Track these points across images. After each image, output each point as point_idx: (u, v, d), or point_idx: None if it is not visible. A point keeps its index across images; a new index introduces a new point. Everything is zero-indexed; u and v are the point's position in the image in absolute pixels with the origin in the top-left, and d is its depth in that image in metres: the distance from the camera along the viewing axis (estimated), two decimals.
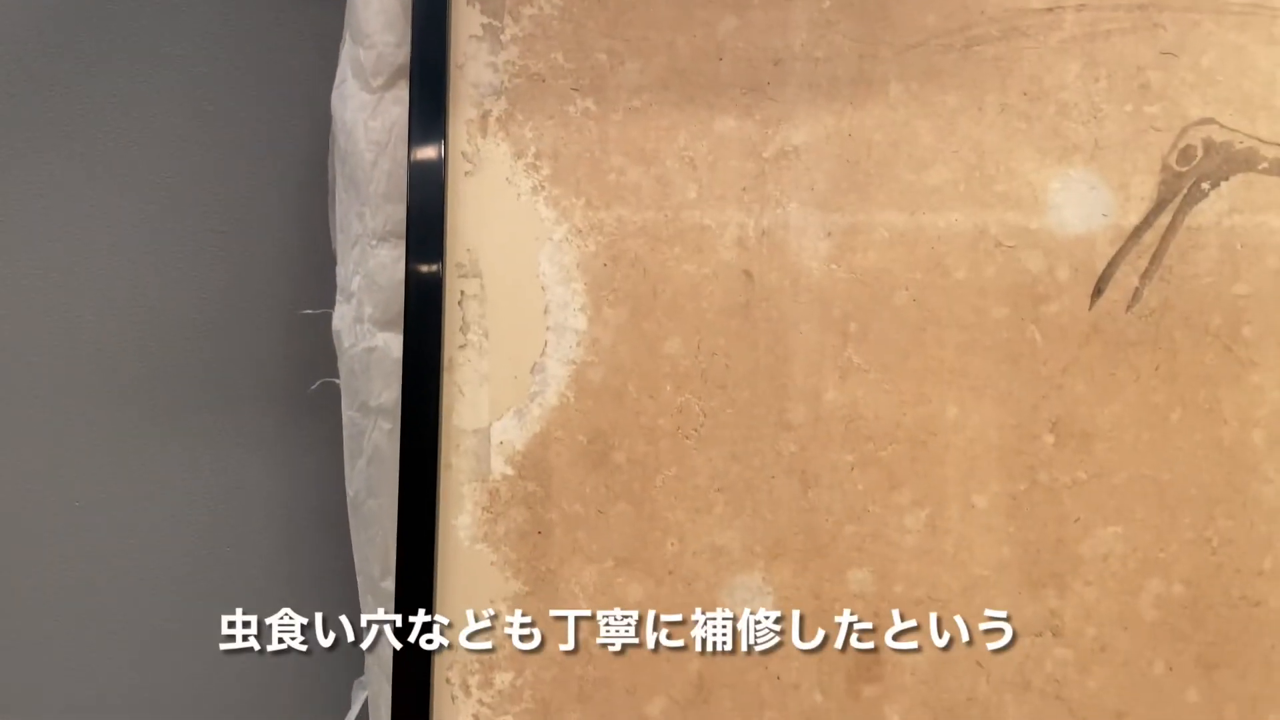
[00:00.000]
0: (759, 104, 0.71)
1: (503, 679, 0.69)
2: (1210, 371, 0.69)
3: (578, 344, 0.70)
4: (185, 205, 0.83)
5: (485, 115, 0.71)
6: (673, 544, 0.69)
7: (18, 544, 0.83)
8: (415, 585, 0.69)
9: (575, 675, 0.69)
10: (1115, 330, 0.70)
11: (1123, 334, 0.70)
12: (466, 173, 0.71)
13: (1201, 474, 0.69)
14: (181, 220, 0.83)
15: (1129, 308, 0.70)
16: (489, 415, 0.70)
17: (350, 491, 0.75)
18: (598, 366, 0.70)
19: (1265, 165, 0.70)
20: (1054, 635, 0.68)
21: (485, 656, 0.69)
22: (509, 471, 0.70)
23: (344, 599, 0.79)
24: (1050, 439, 0.69)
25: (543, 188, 0.71)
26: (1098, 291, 0.70)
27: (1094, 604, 0.68)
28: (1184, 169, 0.71)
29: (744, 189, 0.70)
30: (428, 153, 0.70)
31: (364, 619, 0.73)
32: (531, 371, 0.70)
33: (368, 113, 0.74)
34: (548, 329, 0.70)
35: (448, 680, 0.69)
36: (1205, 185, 0.70)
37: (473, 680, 0.69)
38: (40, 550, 0.84)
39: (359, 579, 0.75)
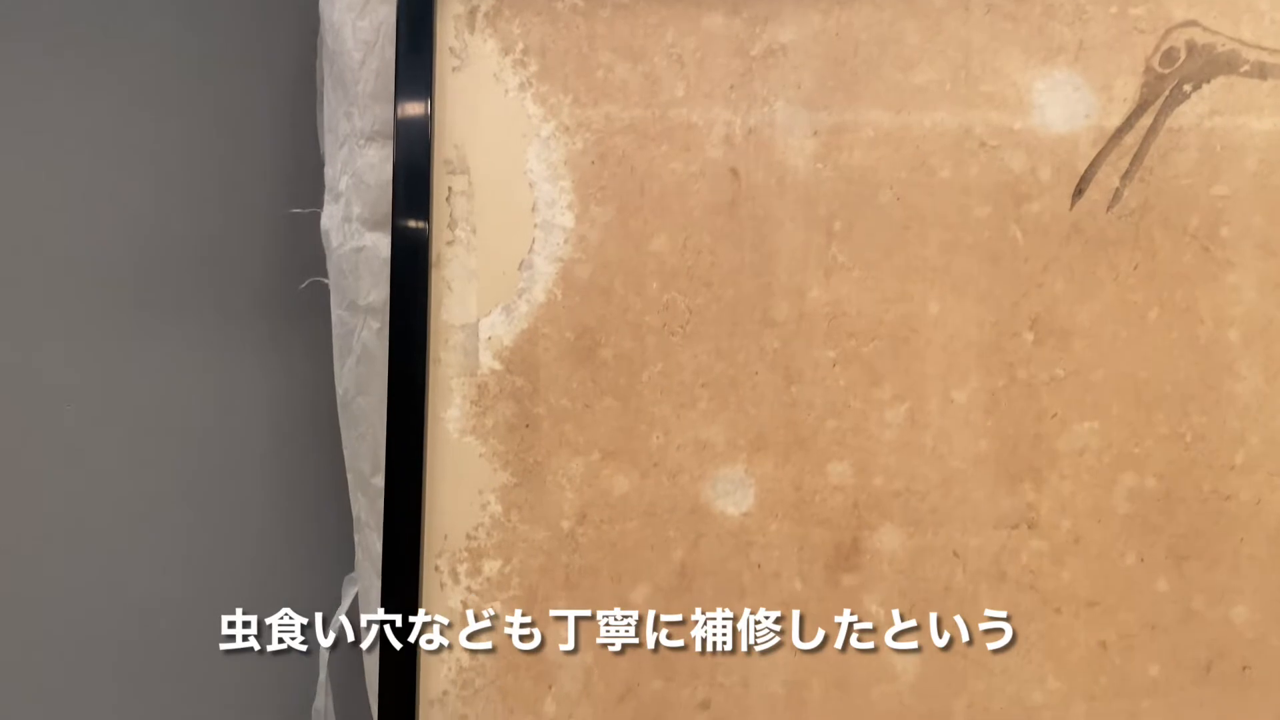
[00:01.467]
0: (746, 1, 0.71)
1: (491, 566, 0.70)
2: (1188, 271, 0.70)
3: (565, 241, 0.71)
4: (174, 107, 0.83)
5: (473, 11, 0.71)
6: (658, 438, 0.70)
7: (8, 453, 0.84)
8: (405, 477, 0.70)
9: (562, 563, 0.70)
10: (1095, 230, 0.71)
11: (1103, 233, 0.71)
12: (454, 69, 0.71)
13: (1177, 371, 0.70)
14: (170, 122, 0.83)
15: (1109, 208, 0.71)
16: (477, 311, 0.71)
17: (340, 390, 0.76)
18: (585, 264, 0.71)
19: (1247, 68, 0.71)
20: (1029, 528, 0.70)
21: (473, 544, 0.70)
22: (497, 366, 0.71)
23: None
24: (1030, 336, 0.70)
25: (530, 84, 0.71)
26: (1079, 191, 0.71)
27: (1069, 497, 0.70)
28: (1166, 71, 0.71)
29: (731, 87, 0.71)
30: (415, 48, 0.70)
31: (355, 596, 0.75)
32: (519, 268, 0.71)
33: (355, 12, 0.74)
34: (535, 226, 0.71)
35: (436, 568, 0.70)
36: (1187, 87, 0.71)
37: (461, 568, 0.70)
38: (31, 461, 0.84)
39: (349, 476, 0.76)
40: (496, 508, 0.70)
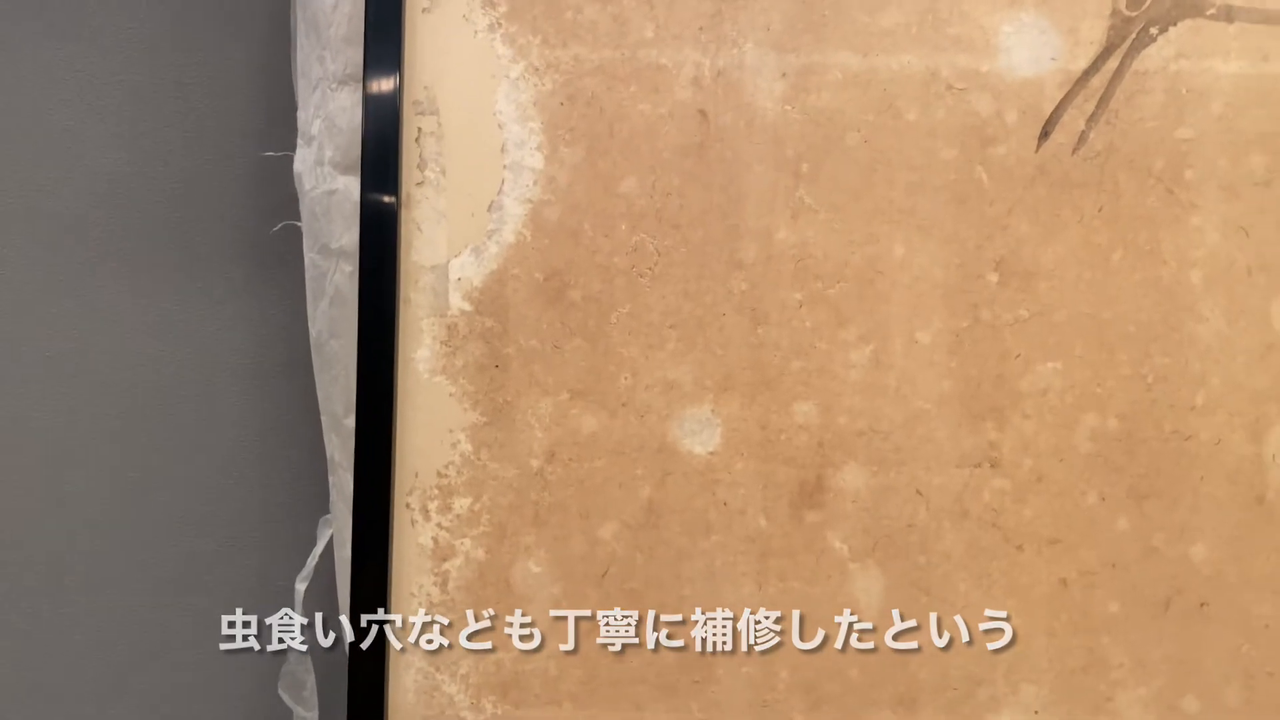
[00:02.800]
0: None
1: (461, 504, 0.71)
2: (1152, 213, 0.71)
3: (534, 183, 0.71)
4: (146, 53, 0.83)
5: None
6: (626, 378, 0.71)
7: None
8: (375, 417, 0.71)
9: (531, 500, 0.71)
10: (1061, 172, 0.71)
11: (1068, 176, 0.71)
12: (424, 10, 0.71)
13: (1140, 312, 0.71)
14: (142, 68, 0.83)
15: (1075, 150, 0.71)
16: (447, 252, 0.72)
17: (313, 333, 0.76)
18: (554, 205, 0.71)
19: (1213, 11, 0.71)
20: (992, 466, 0.71)
21: (444, 481, 0.71)
22: (466, 307, 0.71)
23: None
24: (994, 277, 0.71)
25: (499, 25, 0.71)
26: (1044, 134, 0.71)
27: (1032, 436, 0.71)
28: (1133, 14, 0.71)
29: (700, 28, 0.71)
30: None
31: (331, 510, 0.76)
32: (489, 209, 0.72)
33: None
34: (505, 167, 0.71)
35: (408, 505, 0.71)
36: (1154, 30, 0.71)
37: (432, 505, 0.71)
38: (7, 407, 0.85)
39: (323, 419, 0.77)
40: (466, 446, 0.71)
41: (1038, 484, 0.71)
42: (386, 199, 0.70)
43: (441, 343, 0.71)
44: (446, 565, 0.71)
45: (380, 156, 0.70)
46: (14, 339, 0.85)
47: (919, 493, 0.71)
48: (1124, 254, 0.71)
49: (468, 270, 0.71)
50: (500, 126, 0.71)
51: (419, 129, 0.71)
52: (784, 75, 0.71)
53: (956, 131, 0.71)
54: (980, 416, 0.71)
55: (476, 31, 0.71)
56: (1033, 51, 0.71)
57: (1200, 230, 0.71)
